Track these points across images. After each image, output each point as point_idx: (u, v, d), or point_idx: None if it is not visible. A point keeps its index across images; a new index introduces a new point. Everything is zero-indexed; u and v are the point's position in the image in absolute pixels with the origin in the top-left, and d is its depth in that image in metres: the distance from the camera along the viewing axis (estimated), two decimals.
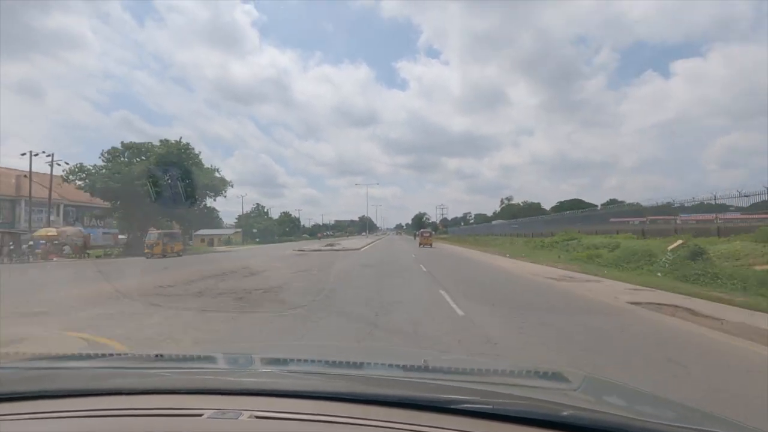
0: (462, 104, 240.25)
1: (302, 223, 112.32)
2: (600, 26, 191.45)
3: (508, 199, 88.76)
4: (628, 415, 0.92)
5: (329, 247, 33.37)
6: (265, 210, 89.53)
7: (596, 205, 52.03)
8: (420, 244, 35.98)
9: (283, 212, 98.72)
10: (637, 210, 25.44)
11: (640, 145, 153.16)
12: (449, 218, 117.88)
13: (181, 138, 37.53)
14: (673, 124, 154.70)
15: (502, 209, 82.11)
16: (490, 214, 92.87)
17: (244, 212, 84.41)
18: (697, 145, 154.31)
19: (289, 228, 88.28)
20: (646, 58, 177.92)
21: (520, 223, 40.61)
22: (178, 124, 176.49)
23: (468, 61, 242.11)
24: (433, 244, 38.12)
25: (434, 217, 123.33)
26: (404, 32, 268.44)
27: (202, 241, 59.47)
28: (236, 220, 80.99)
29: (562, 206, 59.68)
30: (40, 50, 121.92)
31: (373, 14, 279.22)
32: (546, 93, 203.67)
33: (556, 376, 1.44)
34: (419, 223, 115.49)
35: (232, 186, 39.95)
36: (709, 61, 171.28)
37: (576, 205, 56.76)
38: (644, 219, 25.26)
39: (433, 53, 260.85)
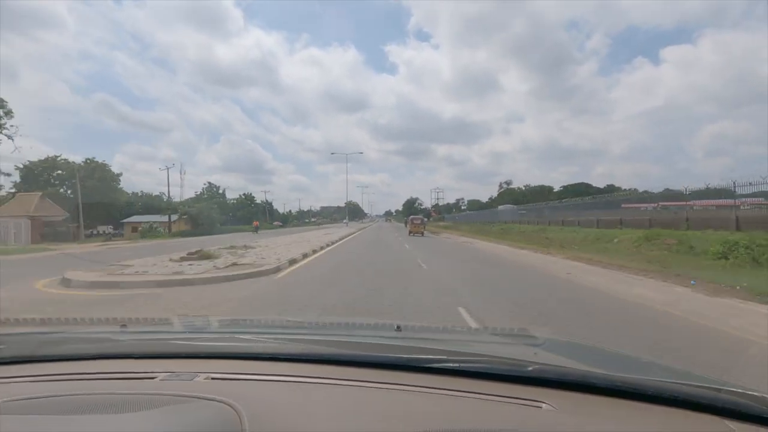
0: (452, 90, 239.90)
1: (277, 209, 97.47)
2: (593, 11, 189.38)
3: (508, 182, 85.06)
4: (591, 369, 0.94)
5: (184, 262, 11.63)
6: (220, 191, 72.96)
7: (602, 190, 51.63)
8: (410, 233, 32.09)
9: (243, 194, 79.74)
10: (642, 196, 25.13)
11: (631, 132, 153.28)
12: (440, 204, 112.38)
13: None
14: (663, 111, 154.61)
15: (501, 194, 79.71)
16: (484, 200, 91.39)
17: (197, 193, 68.92)
18: (688, 132, 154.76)
19: (248, 213, 71.34)
20: (638, 43, 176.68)
21: (528, 208, 39.38)
22: (161, 108, 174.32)
23: (459, 45, 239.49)
24: (439, 235, 33.87)
25: (427, 202, 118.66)
26: (394, 14, 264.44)
27: (134, 230, 44.81)
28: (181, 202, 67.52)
29: (566, 191, 58.96)
30: (13, 29, 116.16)
31: None
32: (537, 79, 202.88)
33: (522, 335, 1.47)
34: (411, 208, 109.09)
35: (12, 116, 20.82)
36: (700, 47, 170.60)
37: (584, 189, 56.15)
38: (655, 205, 25.10)
39: (423, 37, 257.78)
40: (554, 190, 64.95)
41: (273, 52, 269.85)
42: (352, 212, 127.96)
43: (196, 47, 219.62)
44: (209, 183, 73.66)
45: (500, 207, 49.41)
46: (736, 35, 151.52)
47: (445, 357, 0.96)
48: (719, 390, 0.81)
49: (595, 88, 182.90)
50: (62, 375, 0.93)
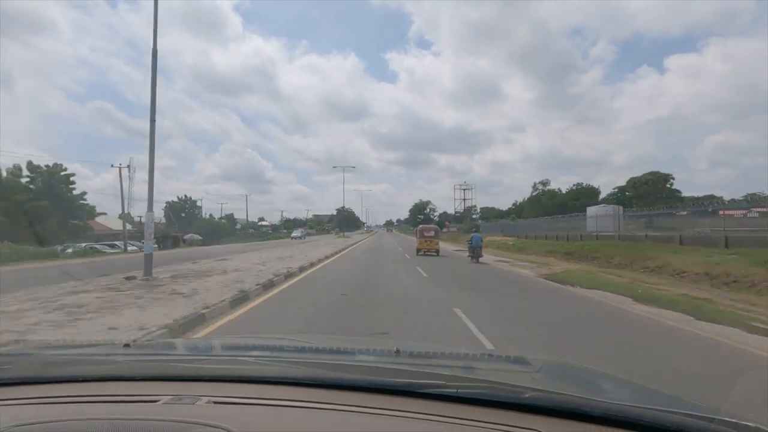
0: (454, 99, 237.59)
1: (210, 212, 67.96)
2: (598, 18, 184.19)
3: (543, 183, 68.67)
4: (587, 396, 0.93)
5: None
6: (59, 168, 33.77)
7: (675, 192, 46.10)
8: (419, 251, 22.56)
9: (46, 165, 33.51)
10: (720, 203, 22.19)
11: (634, 142, 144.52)
12: (449, 212, 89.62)
13: None
14: (667, 120, 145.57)
15: (535, 197, 67.17)
16: (491, 208, 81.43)
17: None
18: (692, 142, 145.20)
19: (44, 213, 28.44)
20: (644, 51, 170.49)
21: (634, 215, 27.24)
22: (160, 116, 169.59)
23: (460, 53, 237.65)
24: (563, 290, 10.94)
25: (442, 207, 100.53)
26: (395, 21, 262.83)
27: None
28: None
29: (626, 190, 54.03)
30: (6, 34, 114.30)
31: (363, 1, 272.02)
32: (540, 88, 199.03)
33: (519, 360, 1.46)
34: (419, 215, 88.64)
35: None
36: (705, 56, 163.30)
37: (650, 188, 46.57)
38: (749, 210, 22.41)
39: (424, 44, 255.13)
40: (599, 194, 59.63)
41: (272, 59, 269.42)
42: (346, 222, 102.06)
43: (194, 54, 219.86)
44: (32, 162, 33.72)
45: (591, 210, 28.60)
46: (744, 43, 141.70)
47: (443, 382, 0.95)
48: (711, 420, 0.83)
49: (598, 96, 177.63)
50: (67, 397, 0.94)
